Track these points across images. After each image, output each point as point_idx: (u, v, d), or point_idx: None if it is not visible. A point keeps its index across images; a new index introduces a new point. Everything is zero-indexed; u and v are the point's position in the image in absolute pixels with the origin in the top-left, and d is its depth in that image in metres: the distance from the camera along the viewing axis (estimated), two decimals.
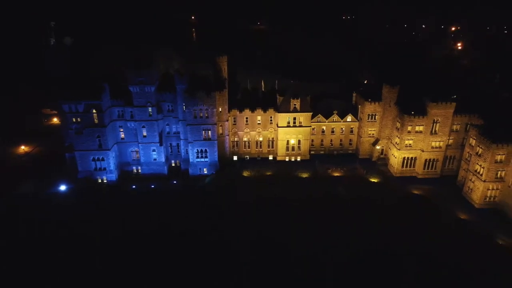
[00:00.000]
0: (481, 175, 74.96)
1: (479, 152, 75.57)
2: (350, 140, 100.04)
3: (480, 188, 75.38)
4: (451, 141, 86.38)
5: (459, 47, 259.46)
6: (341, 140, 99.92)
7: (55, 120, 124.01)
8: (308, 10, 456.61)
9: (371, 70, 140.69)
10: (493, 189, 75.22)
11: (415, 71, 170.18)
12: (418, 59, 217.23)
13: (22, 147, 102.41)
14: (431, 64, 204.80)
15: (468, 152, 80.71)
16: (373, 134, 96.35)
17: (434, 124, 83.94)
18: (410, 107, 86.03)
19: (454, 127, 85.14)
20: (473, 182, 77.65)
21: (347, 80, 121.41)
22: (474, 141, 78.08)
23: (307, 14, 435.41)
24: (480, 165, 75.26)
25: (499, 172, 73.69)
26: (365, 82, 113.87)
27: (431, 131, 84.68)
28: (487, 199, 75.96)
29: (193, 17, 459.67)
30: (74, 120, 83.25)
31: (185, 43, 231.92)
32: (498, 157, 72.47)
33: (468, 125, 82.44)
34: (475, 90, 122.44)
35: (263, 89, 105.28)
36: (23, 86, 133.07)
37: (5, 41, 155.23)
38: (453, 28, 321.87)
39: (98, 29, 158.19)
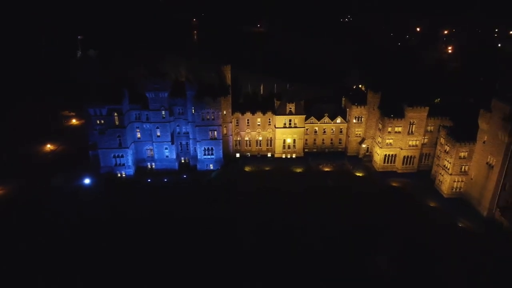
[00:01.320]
0: (448, 169, 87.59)
1: (447, 150, 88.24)
2: (340, 139, 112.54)
3: (447, 181, 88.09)
4: (426, 140, 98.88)
5: (450, 51, 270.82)
6: (331, 140, 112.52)
7: (74, 121, 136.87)
8: (306, 12, 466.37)
9: (361, 75, 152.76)
10: (458, 181, 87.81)
11: (404, 75, 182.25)
12: (410, 62, 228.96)
13: (48, 145, 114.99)
14: (421, 67, 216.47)
15: (439, 150, 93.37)
16: (359, 134, 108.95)
17: (411, 125, 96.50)
18: (391, 110, 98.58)
19: (429, 128, 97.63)
20: (442, 175, 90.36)
21: (339, 85, 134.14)
22: (443, 140, 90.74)
23: (305, 16, 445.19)
24: (448, 161, 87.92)
25: (463, 166, 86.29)
26: (354, 87, 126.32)
27: (408, 132, 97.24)
28: (454, 189, 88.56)
29: (194, 19, 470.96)
30: (98, 122, 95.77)
31: (190, 49, 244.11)
32: (462, 154, 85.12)
33: (440, 127, 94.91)
34: (456, 93, 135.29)
35: (261, 92, 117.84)
36: (44, 91, 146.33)
37: (32, 52, 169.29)
38: (445, 31, 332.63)
39: (115, 39, 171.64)
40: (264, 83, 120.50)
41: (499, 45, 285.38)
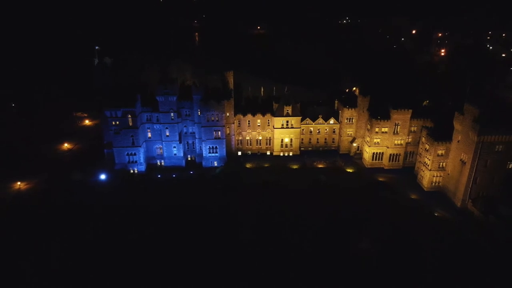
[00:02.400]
0: (428, 165, 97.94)
1: (427, 148, 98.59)
2: (333, 139, 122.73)
3: (427, 176, 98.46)
4: (410, 139, 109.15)
5: (442, 54, 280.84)
6: (325, 139, 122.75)
7: (87, 121, 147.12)
8: (306, 13, 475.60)
9: (355, 78, 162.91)
10: (437, 176, 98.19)
11: (397, 78, 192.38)
12: (403, 65, 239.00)
13: (65, 144, 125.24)
14: (413, 70, 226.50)
15: (421, 148, 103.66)
16: (350, 134, 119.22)
17: (396, 126, 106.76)
18: (378, 112, 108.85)
19: (412, 128, 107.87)
20: (423, 171, 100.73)
21: (333, 88, 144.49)
22: (424, 139, 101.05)
23: (304, 18, 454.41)
24: (428, 158, 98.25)
25: (441, 163, 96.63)
26: (347, 90, 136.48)
27: (394, 132, 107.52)
28: (433, 184, 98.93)
29: (195, 21, 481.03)
30: (113, 123, 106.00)
31: (193, 52, 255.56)
32: (440, 152, 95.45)
33: (422, 127, 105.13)
34: (444, 96, 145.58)
35: (262, 94, 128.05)
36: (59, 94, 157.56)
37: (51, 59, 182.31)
38: (439, 34, 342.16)
39: (126, 46, 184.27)
40: (264, 85, 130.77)
41: (490, 47, 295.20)
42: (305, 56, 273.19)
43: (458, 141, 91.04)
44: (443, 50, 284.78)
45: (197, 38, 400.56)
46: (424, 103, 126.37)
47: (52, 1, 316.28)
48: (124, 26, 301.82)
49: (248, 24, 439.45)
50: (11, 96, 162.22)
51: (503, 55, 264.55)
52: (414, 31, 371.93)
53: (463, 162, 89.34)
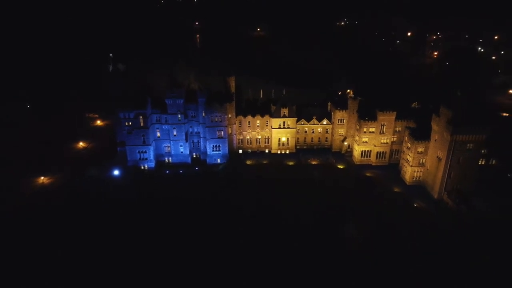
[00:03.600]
0: (410, 162, 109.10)
1: (409, 146, 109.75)
2: (326, 138, 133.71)
3: (409, 171, 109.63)
4: (394, 138, 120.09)
5: (435, 56, 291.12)
6: (319, 138, 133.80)
7: (98, 122, 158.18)
8: (304, 16, 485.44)
9: (349, 81, 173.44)
10: (417, 171, 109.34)
11: (390, 80, 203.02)
12: (397, 67, 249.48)
13: (81, 143, 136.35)
14: (406, 72, 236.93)
15: (404, 146, 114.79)
16: (342, 133, 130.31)
17: (382, 126, 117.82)
18: (366, 114, 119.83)
19: (397, 128, 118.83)
20: (405, 167, 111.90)
21: (327, 90, 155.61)
22: (407, 138, 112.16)
23: (303, 20, 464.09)
24: (409, 155, 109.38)
25: (421, 159, 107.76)
26: (339, 93, 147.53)
27: (380, 132, 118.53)
28: (414, 178, 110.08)
29: (196, 23, 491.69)
30: (126, 124, 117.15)
31: (196, 55, 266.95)
32: (419, 150, 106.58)
33: (406, 127, 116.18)
34: (433, 97, 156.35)
35: (261, 96, 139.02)
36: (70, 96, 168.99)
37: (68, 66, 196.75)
38: (434, 37, 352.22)
39: (136, 52, 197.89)
40: (263, 87, 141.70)
41: (481, 50, 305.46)
42: (303, 58, 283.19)
43: (435, 140, 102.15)
44: (435, 53, 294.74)
45: (198, 40, 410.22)
46: (413, 104, 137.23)
47: (68, 14, 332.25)
48: (133, 32, 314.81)
49: (248, 26, 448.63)
50: (25, 97, 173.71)
51: (493, 57, 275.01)
52: (409, 33, 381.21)
53: (439, 159, 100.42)
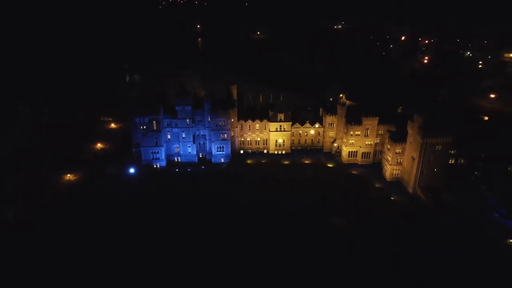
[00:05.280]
0: (389, 161, 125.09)
1: (389, 148, 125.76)
2: (318, 140, 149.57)
3: (388, 169, 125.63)
4: (378, 140, 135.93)
5: (425, 61, 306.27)
6: (311, 140, 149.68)
7: (112, 125, 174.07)
8: (302, 19, 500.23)
9: (342, 87, 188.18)
10: (396, 169, 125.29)
11: (381, 84, 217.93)
12: (388, 72, 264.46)
13: (98, 144, 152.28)
14: (398, 76, 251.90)
15: (385, 147, 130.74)
16: (332, 136, 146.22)
17: (366, 130, 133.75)
18: (353, 119, 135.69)
19: (380, 131, 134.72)
20: (386, 165, 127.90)
21: (323, 95, 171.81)
22: (387, 140, 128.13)
23: (301, 23, 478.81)
24: (389, 155, 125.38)
25: (399, 159, 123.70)
26: (331, 99, 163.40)
27: (365, 135, 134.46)
28: (393, 175, 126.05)
29: (198, 26, 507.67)
30: (141, 127, 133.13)
31: (198, 58, 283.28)
32: (397, 150, 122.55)
33: (387, 131, 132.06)
34: (418, 102, 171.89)
35: (260, 101, 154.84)
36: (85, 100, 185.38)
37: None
38: (426, 41, 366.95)
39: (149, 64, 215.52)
40: (262, 92, 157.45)
41: (470, 54, 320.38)
42: (299, 61, 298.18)
43: (410, 142, 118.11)
44: (426, 58, 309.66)
45: (200, 44, 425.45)
46: (399, 109, 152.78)
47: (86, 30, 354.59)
48: (144, 43, 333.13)
49: (248, 29, 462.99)
50: (44, 102, 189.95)
51: (480, 62, 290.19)
52: (403, 38, 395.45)
53: (413, 159, 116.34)
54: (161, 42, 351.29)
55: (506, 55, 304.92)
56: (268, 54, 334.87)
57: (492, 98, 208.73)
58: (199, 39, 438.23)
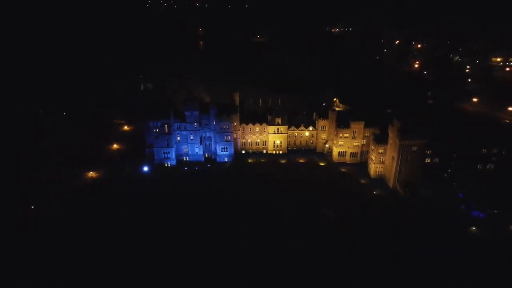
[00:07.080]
0: (373, 160, 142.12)
1: (373, 148, 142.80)
2: (312, 141, 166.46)
3: (372, 167, 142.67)
4: (364, 142, 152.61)
5: (416, 65, 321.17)
6: (306, 141, 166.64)
7: (125, 127, 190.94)
8: (301, 23, 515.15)
9: (335, 92, 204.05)
10: (379, 168, 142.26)
11: (373, 88, 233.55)
12: (380, 76, 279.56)
13: (115, 145, 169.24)
14: (390, 80, 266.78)
15: (370, 148, 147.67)
16: (324, 137, 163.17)
17: (354, 133, 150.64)
18: (342, 123, 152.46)
19: (366, 134, 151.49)
20: (370, 164, 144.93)
21: (317, 99, 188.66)
22: (371, 142, 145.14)
23: (300, 27, 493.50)
24: (373, 155, 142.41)
25: (381, 158, 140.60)
26: (324, 104, 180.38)
27: (353, 137, 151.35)
28: (376, 173, 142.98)
29: (200, 29, 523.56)
30: (154, 130, 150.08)
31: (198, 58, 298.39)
32: (380, 151, 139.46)
33: (372, 133, 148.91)
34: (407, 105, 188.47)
35: (260, 104, 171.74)
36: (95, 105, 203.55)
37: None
38: (419, 45, 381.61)
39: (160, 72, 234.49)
40: (262, 96, 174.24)
41: (459, 59, 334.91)
42: (297, 65, 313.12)
43: (391, 144, 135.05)
44: (417, 62, 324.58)
45: (201, 46, 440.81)
46: (388, 111, 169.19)
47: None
48: (153, 49, 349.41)
49: (248, 32, 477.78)
50: (62, 106, 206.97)
51: (467, 66, 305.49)
52: (397, 41, 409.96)
53: (393, 158, 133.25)
54: (164, 45, 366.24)
55: (493, 59, 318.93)
56: (268, 56, 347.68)
57: (474, 102, 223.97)
58: (201, 42, 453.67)
